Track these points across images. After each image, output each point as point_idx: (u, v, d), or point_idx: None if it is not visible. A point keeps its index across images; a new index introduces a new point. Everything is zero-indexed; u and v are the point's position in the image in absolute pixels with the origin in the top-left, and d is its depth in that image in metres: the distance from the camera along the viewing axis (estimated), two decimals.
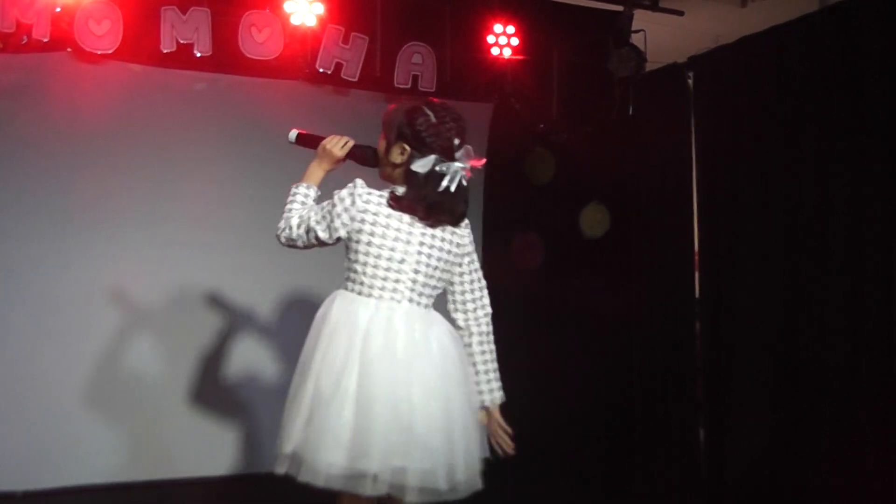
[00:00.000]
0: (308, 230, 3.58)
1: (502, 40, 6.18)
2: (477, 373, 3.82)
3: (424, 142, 3.52)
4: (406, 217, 3.52)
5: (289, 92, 5.85)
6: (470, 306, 3.80)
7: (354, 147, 3.74)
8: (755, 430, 5.52)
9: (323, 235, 3.54)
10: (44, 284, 5.50)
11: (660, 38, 6.48)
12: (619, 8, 6.40)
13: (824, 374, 5.11)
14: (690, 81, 6.24)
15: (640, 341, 6.54)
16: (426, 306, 3.60)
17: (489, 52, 6.19)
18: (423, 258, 3.53)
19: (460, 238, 3.66)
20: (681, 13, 6.65)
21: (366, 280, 3.50)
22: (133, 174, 5.70)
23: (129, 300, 5.70)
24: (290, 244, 3.65)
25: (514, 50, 6.22)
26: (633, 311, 6.56)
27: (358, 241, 3.50)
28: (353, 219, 3.49)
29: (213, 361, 5.88)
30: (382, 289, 3.49)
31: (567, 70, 6.47)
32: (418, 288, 3.54)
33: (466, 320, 3.81)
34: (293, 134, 3.85)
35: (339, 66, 5.66)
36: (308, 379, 3.43)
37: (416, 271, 3.52)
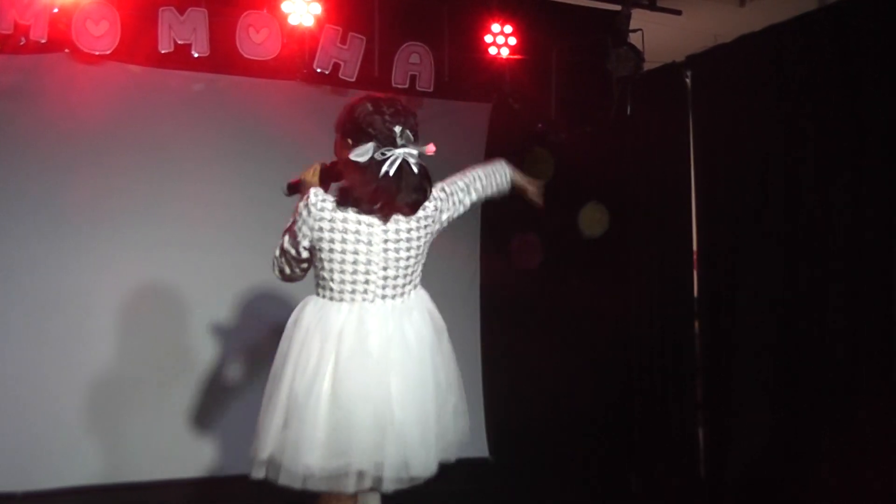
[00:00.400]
0: (285, 253, 3.61)
1: (500, 40, 6.18)
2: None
3: (363, 131, 3.51)
4: (363, 216, 3.49)
5: (287, 92, 5.85)
6: (490, 184, 4.00)
7: (322, 169, 3.72)
8: (755, 430, 5.51)
9: (293, 252, 3.57)
10: (42, 285, 5.51)
11: (658, 38, 6.48)
12: (618, 7, 6.40)
13: (824, 374, 5.10)
14: (689, 81, 6.23)
15: (639, 341, 6.53)
16: (403, 294, 3.58)
17: (487, 51, 6.19)
18: (391, 254, 3.52)
19: (426, 219, 3.61)
20: (679, 12, 6.65)
21: (335, 286, 3.51)
22: (131, 175, 5.70)
23: (129, 301, 5.70)
24: (283, 276, 3.72)
25: (513, 49, 6.22)
26: (632, 310, 6.56)
27: (321, 249, 3.50)
28: (311, 228, 3.48)
29: (213, 363, 5.88)
30: (353, 292, 3.50)
31: (565, 69, 6.46)
32: (391, 282, 3.53)
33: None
34: (283, 187, 3.82)
35: (336, 67, 5.66)
36: (282, 385, 3.46)
37: (385, 268, 3.52)
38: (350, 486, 3.38)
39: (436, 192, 3.66)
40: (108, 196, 5.64)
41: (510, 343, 6.73)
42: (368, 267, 3.49)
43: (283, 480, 3.37)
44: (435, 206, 3.64)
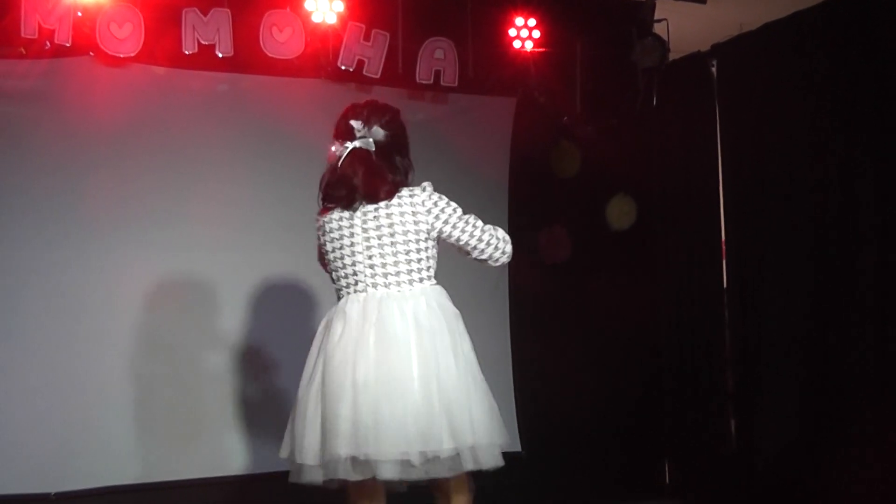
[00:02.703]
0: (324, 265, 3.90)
1: (524, 33, 6.17)
2: None
3: (335, 133, 3.77)
4: (345, 214, 3.68)
5: (311, 90, 5.85)
6: (488, 250, 3.76)
7: None
8: (786, 421, 5.49)
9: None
10: (68, 288, 5.51)
11: (683, 28, 6.44)
12: None
13: (853, 366, 5.07)
14: (714, 70, 6.21)
15: (668, 333, 6.52)
16: (399, 284, 3.65)
17: (511, 45, 6.18)
18: (374, 241, 3.65)
19: (413, 206, 3.66)
20: (703, 1, 6.61)
21: (336, 284, 3.78)
22: (156, 176, 5.70)
23: (155, 302, 5.71)
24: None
25: (536, 43, 6.20)
26: (662, 302, 6.54)
27: (325, 254, 3.80)
28: (318, 238, 3.83)
29: (241, 361, 5.88)
30: (347, 286, 3.71)
31: (590, 62, 6.44)
32: (379, 271, 3.65)
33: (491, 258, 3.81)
34: None
35: (360, 64, 5.66)
36: (300, 390, 3.73)
37: (370, 257, 3.66)
38: (344, 474, 3.48)
39: (431, 197, 3.70)
40: (133, 198, 5.64)
41: (540, 338, 6.71)
42: (354, 259, 3.67)
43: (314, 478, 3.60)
44: (430, 199, 3.69)
